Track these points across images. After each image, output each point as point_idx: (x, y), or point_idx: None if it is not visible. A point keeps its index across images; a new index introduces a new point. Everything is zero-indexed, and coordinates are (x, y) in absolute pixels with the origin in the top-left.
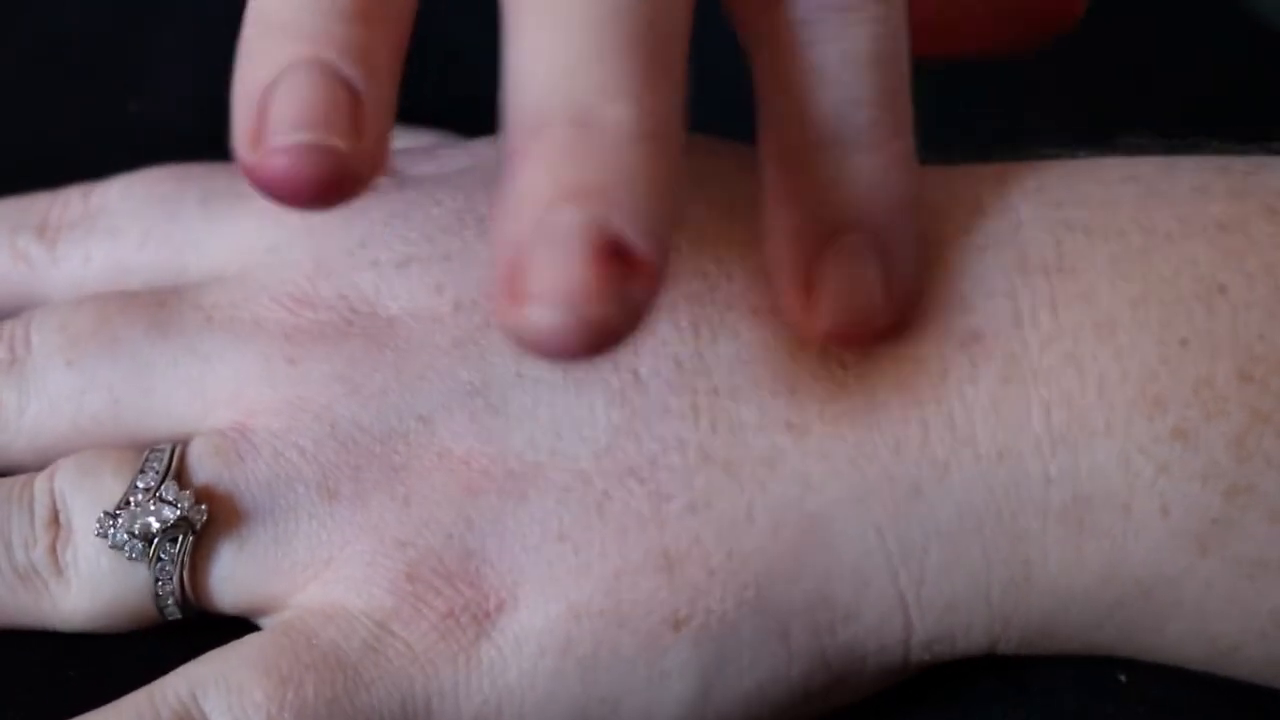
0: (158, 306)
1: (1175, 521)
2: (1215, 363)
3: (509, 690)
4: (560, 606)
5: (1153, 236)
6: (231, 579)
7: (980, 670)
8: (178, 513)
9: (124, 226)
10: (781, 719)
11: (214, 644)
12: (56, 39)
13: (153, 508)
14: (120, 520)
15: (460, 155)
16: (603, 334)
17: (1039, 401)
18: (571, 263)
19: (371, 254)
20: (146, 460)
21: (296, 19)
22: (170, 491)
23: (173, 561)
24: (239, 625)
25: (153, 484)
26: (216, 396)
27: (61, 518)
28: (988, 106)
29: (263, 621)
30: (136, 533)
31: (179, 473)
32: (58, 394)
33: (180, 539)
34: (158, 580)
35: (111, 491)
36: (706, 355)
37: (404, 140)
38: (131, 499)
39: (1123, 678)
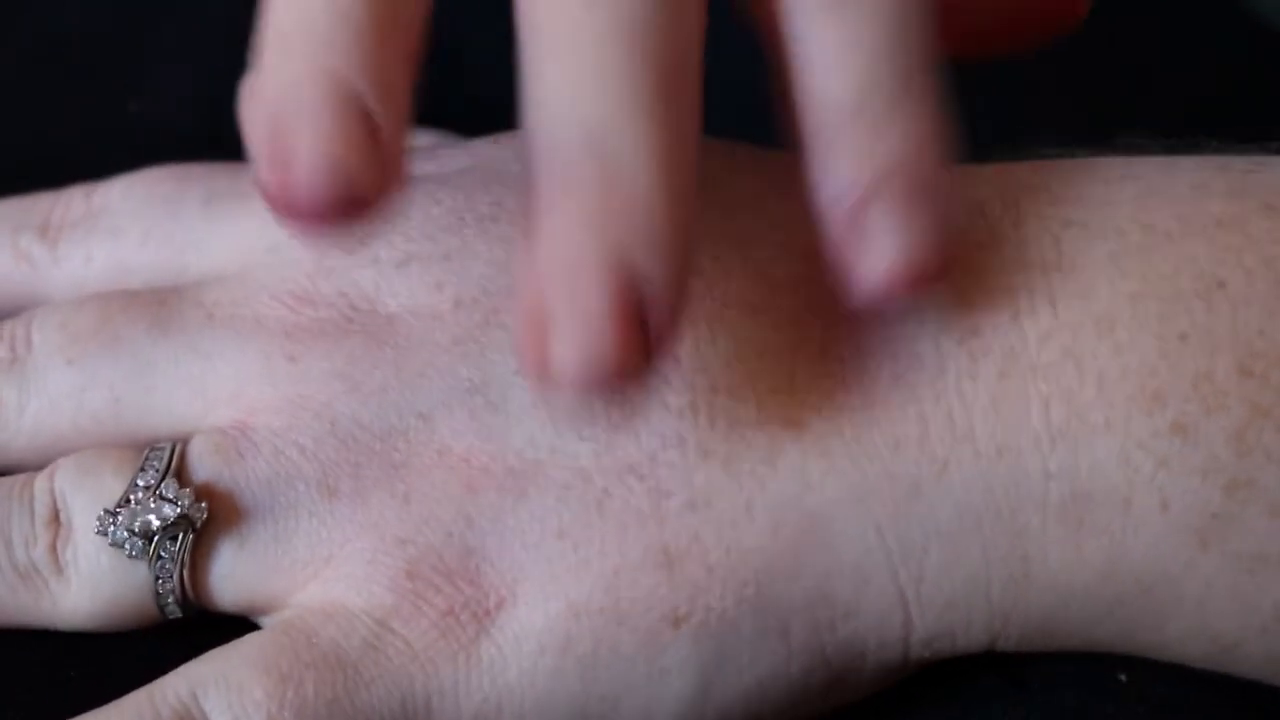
0: (159, 305)
1: (1175, 517)
2: (1215, 358)
3: (509, 688)
4: (560, 604)
5: (1152, 234)
6: (232, 577)
7: (980, 668)
8: (178, 510)
9: (126, 226)
10: (781, 716)
11: (214, 644)
12: (56, 39)
13: (153, 505)
14: (120, 518)
15: (460, 155)
16: (623, 384)
17: (1038, 397)
18: (597, 320)
19: (372, 252)
20: (147, 458)
21: (312, 35)
22: (170, 489)
23: (173, 559)
24: (239, 625)
25: (153, 482)
26: (217, 395)
27: (62, 516)
28: (988, 106)
29: (263, 621)
30: (137, 530)
31: (179, 470)
32: (58, 392)
33: (180, 537)
34: (158, 578)
35: (112, 490)
36: (705, 352)
37: None
38: (132, 497)
39: (1123, 677)
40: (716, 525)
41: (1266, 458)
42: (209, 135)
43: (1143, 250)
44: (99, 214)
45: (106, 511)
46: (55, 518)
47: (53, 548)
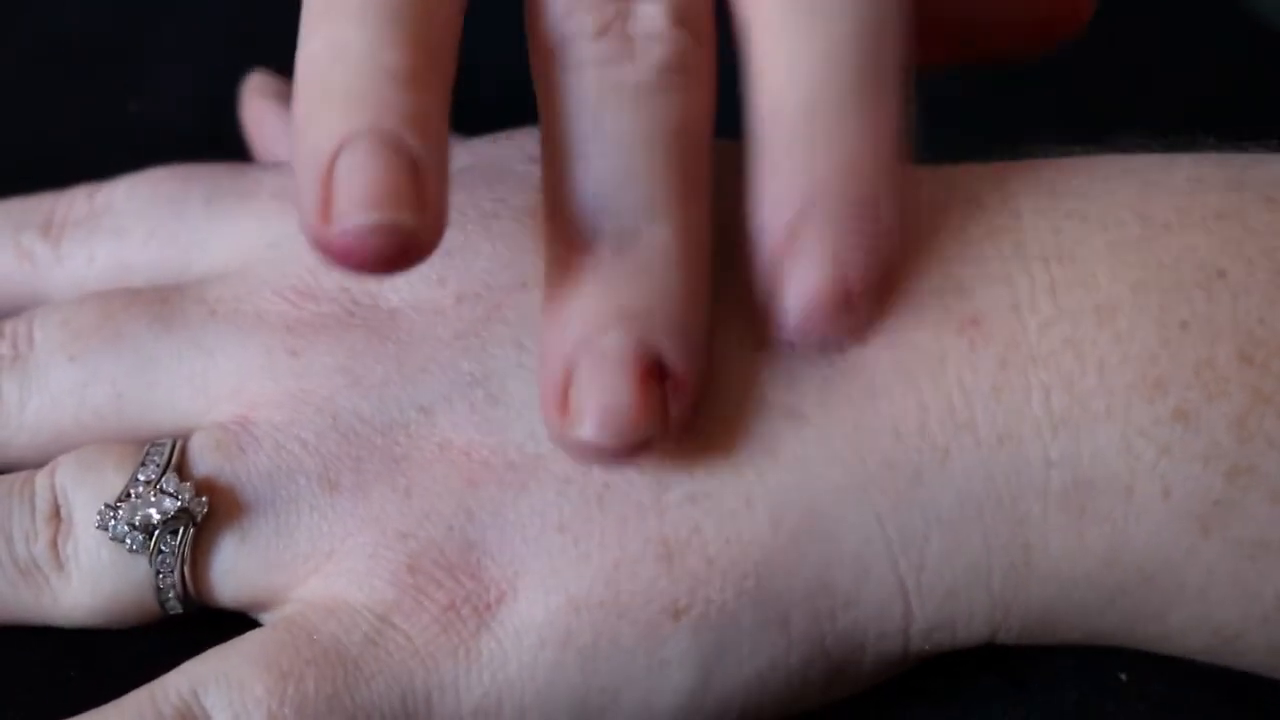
0: (161, 302)
1: (1177, 503)
2: (1216, 345)
3: (509, 683)
4: (560, 598)
5: (1151, 226)
6: (233, 572)
7: (980, 667)
8: (178, 504)
9: (129, 226)
10: (781, 708)
11: (215, 643)
12: (56, 39)
13: (153, 499)
14: (121, 512)
15: (461, 154)
16: (643, 447)
17: (1038, 385)
18: (617, 385)
19: None
20: (148, 454)
21: (353, 86)
22: (171, 483)
23: (173, 554)
24: (240, 625)
25: (154, 476)
26: (219, 390)
27: (63, 512)
28: (988, 106)
29: (264, 617)
30: (137, 524)
31: (180, 465)
32: (60, 389)
33: (181, 531)
34: (159, 573)
35: (113, 485)
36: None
37: None
38: (132, 491)
39: (1123, 675)
40: (717, 517)
41: (1268, 444)
42: (209, 135)
43: (1142, 241)
44: (102, 213)
45: (107, 506)
46: (56, 513)
47: (53, 543)
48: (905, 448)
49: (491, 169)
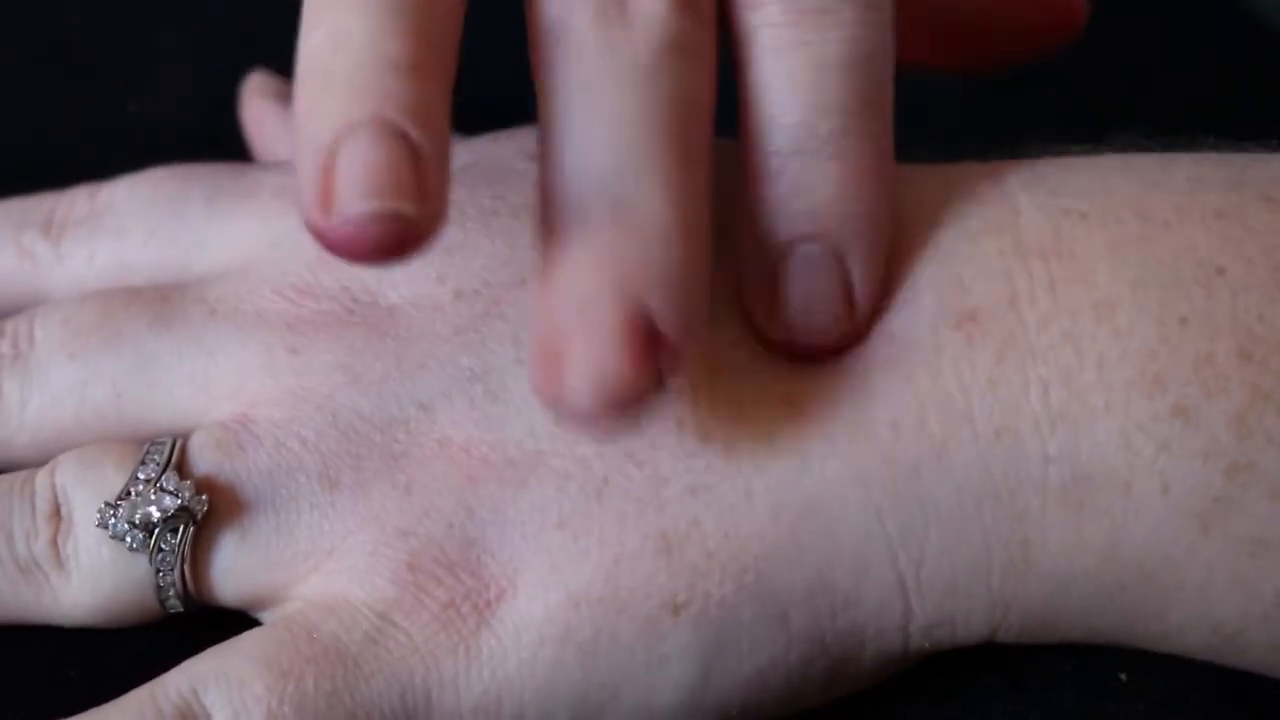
0: (161, 301)
1: (1176, 500)
2: (1215, 342)
3: (509, 680)
4: (559, 595)
5: (1150, 224)
6: (233, 570)
7: (979, 667)
8: (178, 502)
9: (130, 226)
10: (781, 706)
11: (215, 642)
12: (56, 39)
13: (153, 497)
14: (121, 510)
15: (461, 152)
16: (634, 410)
17: (1037, 380)
18: (609, 352)
19: None
20: (148, 452)
21: (355, 75)
22: (171, 481)
23: (174, 552)
24: (240, 624)
25: (153, 475)
26: (220, 389)
27: (63, 510)
28: (988, 106)
29: (264, 616)
30: (137, 522)
31: (180, 463)
32: (60, 387)
33: (181, 529)
34: (159, 571)
35: (113, 484)
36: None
37: None
38: (132, 489)
39: (1123, 675)
40: (716, 510)
41: (1267, 441)
42: (209, 135)
43: (1142, 239)
44: (103, 213)
45: (107, 504)
46: (56, 512)
47: (54, 542)
48: (903, 441)
49: (491, 167)
